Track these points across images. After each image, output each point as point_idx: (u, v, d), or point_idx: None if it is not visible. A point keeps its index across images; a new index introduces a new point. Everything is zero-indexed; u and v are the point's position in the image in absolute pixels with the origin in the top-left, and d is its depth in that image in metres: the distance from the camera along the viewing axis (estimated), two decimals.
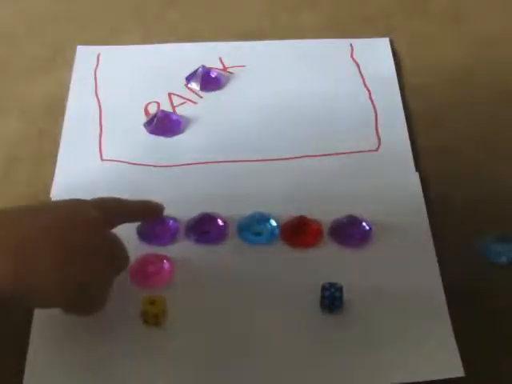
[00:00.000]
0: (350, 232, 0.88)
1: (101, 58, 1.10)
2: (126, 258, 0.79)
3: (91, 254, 0.74)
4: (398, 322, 0.81)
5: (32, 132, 1.01)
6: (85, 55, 1.10)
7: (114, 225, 0.80)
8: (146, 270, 0.84)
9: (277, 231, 0.88)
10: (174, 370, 0.78)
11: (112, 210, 0.81)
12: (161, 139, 1.00)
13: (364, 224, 0.89)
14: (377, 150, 0.98)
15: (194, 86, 1.06)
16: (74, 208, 0.77)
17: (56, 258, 0.71)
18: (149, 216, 0.87)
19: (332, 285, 0.81)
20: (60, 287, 0.71)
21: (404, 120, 1.01)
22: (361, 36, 1.12)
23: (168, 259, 0.85)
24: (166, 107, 1.03)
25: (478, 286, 0.84)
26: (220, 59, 1.10)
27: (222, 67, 1.09)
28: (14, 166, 0.97)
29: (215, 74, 1.07)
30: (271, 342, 0.79)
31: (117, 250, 0.78)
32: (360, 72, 1.08)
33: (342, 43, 1.12)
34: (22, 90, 1.06)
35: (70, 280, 0.71)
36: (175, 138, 1.00)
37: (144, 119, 1.02)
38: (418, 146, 0.98)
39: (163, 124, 1.00)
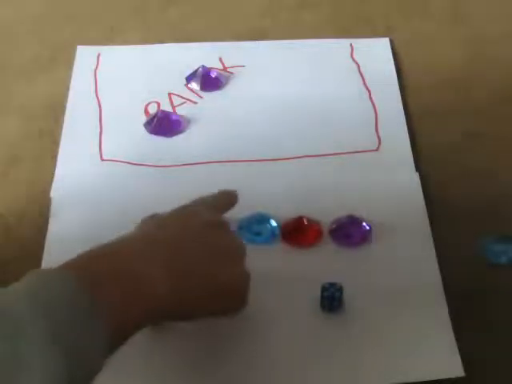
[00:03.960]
0: (349, 232, 0.88)
1: (101, 58, 1.10)
2: (244, 246, 0.78)
3: (231, 255, 0.75)
4: (397, 322, 0.81)
5: (32, 132, 1.01)
6: (85, 55, 1.10)
7: None
8: None
9: (277, 231, 0.88)
10: (173, 369, 0.77)
11: (213, 208, 0.81)
12: (161, 139, 1.00)
13: (364, 224, 0.88)
14: (377, 149, 0.98)
15: (194, 85, 1.06)
16: (199, 213, 0.77)
17: (205, 264, 0.72)
18: (230, 207, 0.85)
19: (332, 285, 0.81)
20: (211, 293, 0.72)
21: (404, 120, 1.01)
22: (361, 36, 1.12)
23: None
24: (166, 107, 1.03)
25: (478, 286, 0.84)
26: (220, 59, 1.10)
27: (221, 67, 1.09)
28: (14, 166, 0.97)
29: (215, 73, 1.07)
30: (271, 342, 0.79)
31: (240, 243, 0.78)
32: (360, 72, 1.08)
33: (342, 43, 1.12)
34: (22, 89, 1.06)
35: (216, 282, 0.72)
36: (175, 137, 1.00)
37: (144, 119, 1.02)
38: (418, 146, 0.98)
39: (163, 124, 1.00)
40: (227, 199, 0.85)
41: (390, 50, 1.10)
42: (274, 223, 0.89)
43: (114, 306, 0.63)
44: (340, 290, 0.81)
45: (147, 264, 0.68)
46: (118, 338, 0.65)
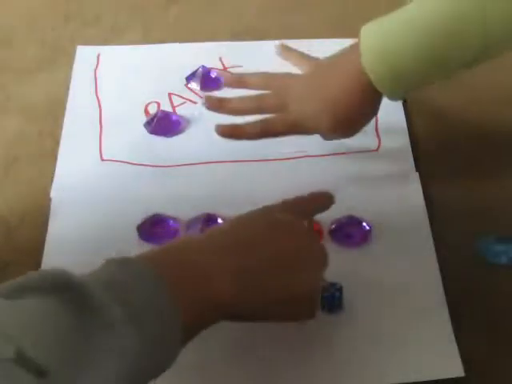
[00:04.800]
0: (349, 232, 0.88)
1: (101, 58, 1.10)
2: (327, 255, 0.77)
3: (305, 261, 0.74)
4: (397, 322, 0.81)
5: (32, 132, 1.01)
6: (85, 55, 1.10)
7: None
8: None
9: None
10: (173, 369, 0.77)
11: (296, 211, 0.79)
12: (161, 139, 1.00)
13: (364, 224, 0.89)
14: (377, 150, 0.98)
15: (194, 86, 1.06)
16: (273, 216, 0.76)
17: (274, 269, 0.72)
18: (321, 210, 0.83)
19: (332, 285, 0.81)
20: (278, 298, 0.71)
21: (404, 120, 1.01)
22: None
23: None
24: (166, 107, 1.03)
25: (478, 286, 0.84)
26: (220, 59, 1.10)
27: (221, 67, 1.09)
28: (13, 166, 0.97)
29: (215, 74, 1.07)
30: (271, 342, 0.79)
31: (322, 251, 0.76)
32: None
33: (342, 43, 1.11)
34: (22, 89, 1.06)
35: (286, 291, 0.72)
36: (175, 137, 1.00)
37: (144, 119, 1.02)
38: (418, 146, 0.98)
39: (163, 124, 1.00)
40: (317, 201, 0.83)
41: None
42: None
43: (187, 300, 0.65)
44: (340, 289, 0.81)
45: (217, 264, 0.69)
46: (189, 331, 0.66)
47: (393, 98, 0.87)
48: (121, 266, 0.65)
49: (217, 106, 0.93)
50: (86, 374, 0.55)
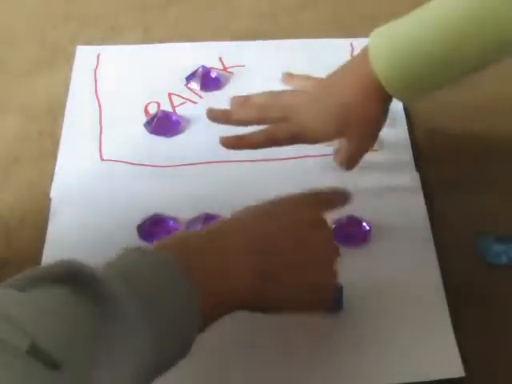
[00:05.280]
0: (350, 232, 0.88)
1: (101, 57, 1.10)
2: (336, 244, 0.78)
3: (327, 253, 0.75)
4: (397, 322, 0.81)
5: (32, 132, 1.01)
6: (85, 55, 1.10)
7: None
8: None
9: None
10: (174, 369, 0.77)
11: (316, 203, 0.80)
12: (161, 139, 1.00)
13: (364, 224, 0.89)
14: (377, 150, 0.98)
15: (194, 86, 1.06)
16: (301, 208, 0.77)
17: (295, 258, 0.73)
18: (337, 205, 0.83)
19: None
20: (298, 286, 0.73)
21: (404, 120, 1.01)
22: (361, 35, 1.12)
23: None
24: (166, 107, 1.03)
25: (478, 286, 0.84)
26: (220, 59, 1.10)
27: (221, 67, 1.09)
28: (14, 166, 0.97)
29: (215, 73, 1.07)
30: (271, 342, 0.79)
31: (337, 248, 0.78)
32: None
33: (343, 43, 1.12)
34: (22, 89, 1.06)
35: (307, 279, 0.73)
36: (175, 137, 1.00)
37: (144, 119, 1.02)
38: (418, 147, 0.98)
39: (163, 124, 1.00)
40: (335, 197, 0.83)
41: None
42: None
43: (206, 289, 0.65)
44: (340, 289, 0.81)
45: (237, 253, 0.70)
46: (207, 319, 0.67)
47: (406, 101, 0.87)
48: (139, 254, 0.65)
49: (220, 118, 0.93)
50: (99, 364, 0.55)
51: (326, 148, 0.97)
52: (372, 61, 0.84)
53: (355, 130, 0.88)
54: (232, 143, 0.91)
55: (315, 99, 0.90)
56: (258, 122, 0.92)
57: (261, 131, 0.91)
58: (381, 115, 0.88)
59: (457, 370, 0.77)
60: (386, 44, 0.84)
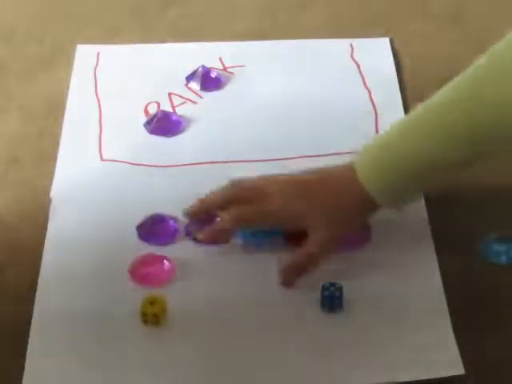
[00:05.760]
0: None
1: (101, 57, 1.10)
2: None
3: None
4: (398, 321, 0.81)
5: (32, 132, 1.01)
6: (85, 54, 1.10)
7: None
8: (147, 270, 0.84)
9: (279, 231, 0.88)
10: (174, 369, 0.77)
11: None
12: (161, 139, 1.00)
13: None
14: None
15: (194, 86, 1.06)
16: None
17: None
18: None
19: (332, 284, 0.81)
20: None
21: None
22: (361, 36, 1.12)
23: (168, 259, 0.85)
24: (166, 107, 1.03)
25: (478, 286, 0.84)
26: (220, 59, 1.10)
27: (222, 67, 1.09)
28: (14, 166, 0.97)
29: (215, 73, 1.07)
30: (272, 341, 0.79)
31: None
32: (360, 72, 1.08)
33: (342, 43, 1.12)
34: (22, 89, 1.06)
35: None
36: (175, 137, 1.00)
37: (144, 119, 1.02)
38: None
39: (163, 124, 1.00)
40: None
41: (390, 50, 1.10)
42: None
43: None
44: (340, 289, 0.81)
45: None
46: None
47: (395, 207, 0.86)
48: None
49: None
50: None
51: (325, 148, 0.98)
52: (360, 176, 0.84)
53: (335, 225, 0.85)
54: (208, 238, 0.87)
55: (293, 187, 0.87)
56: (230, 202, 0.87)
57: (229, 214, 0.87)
58: (364, 218, 0.88)
59: (457, 368, 0.77)
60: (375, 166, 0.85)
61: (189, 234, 0.88)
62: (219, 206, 0.87)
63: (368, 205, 0.85)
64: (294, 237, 0.87)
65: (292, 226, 0.86)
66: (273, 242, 0.87)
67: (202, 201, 0.88)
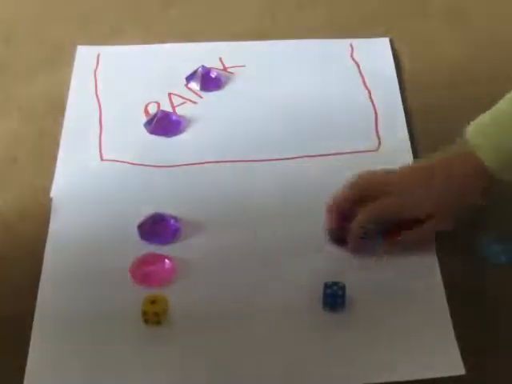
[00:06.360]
0: None
1: (101, 58, 1.10)
2: None
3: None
4: (399, 320, 0.81)
5: (32, 132, 1.01)
6: (85, 55, 1.10)
7: None
8: (148, 270, 0.84)
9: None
10: (174, 369, 0.78)
11: None
12: (161, 139, 1.00)
13: None
14: (377, 150, 0.98)
15: (194, 85, 1.06)
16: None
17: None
18: None
19: (334, 283, 0.81)
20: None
21: (404, 120, 1.01)
22: (361, 36, 1.13)
23: (169, 258, 0.85)
24: (166, 107, 1.03)
25: (478, 286, 0.84)
26: (220, 59, 1.10)
27: (222, 67, 1.09)
28: (13, 166, 0.97)
29: (215, 73, 1.07)
30: (273, 340, 0.80)
31: None
32: (360, 72, 1.08)
33: (342, 43, 1.12)
34: (22, 89, 1.06)
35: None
36: (175, 137, 1.00)
37: (144, 119, 1.02)
38: (417, 146, 0.98)
39: (163, 124, 1.00)
40: None
41: (390, 50, 1.10)
42: None
43: None
44: (342, 288, 0.81)
45: None
46: None
47: None
48: None
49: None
50: None
51: (325, 148, 0.98)
52: (483, 157, 0.85)
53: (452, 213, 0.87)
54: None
55: (411, 178, 0.89)
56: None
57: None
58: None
59: (457, 368, 0.77)
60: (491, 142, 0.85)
61: (333, 240, 0.87)
62: (351, 206, 0.87)
63: (489, 186, 0.86)
64: (390, 234, 0.87)
65: (411, 216, 0.87)
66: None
67: (329, 209, 0.88)
